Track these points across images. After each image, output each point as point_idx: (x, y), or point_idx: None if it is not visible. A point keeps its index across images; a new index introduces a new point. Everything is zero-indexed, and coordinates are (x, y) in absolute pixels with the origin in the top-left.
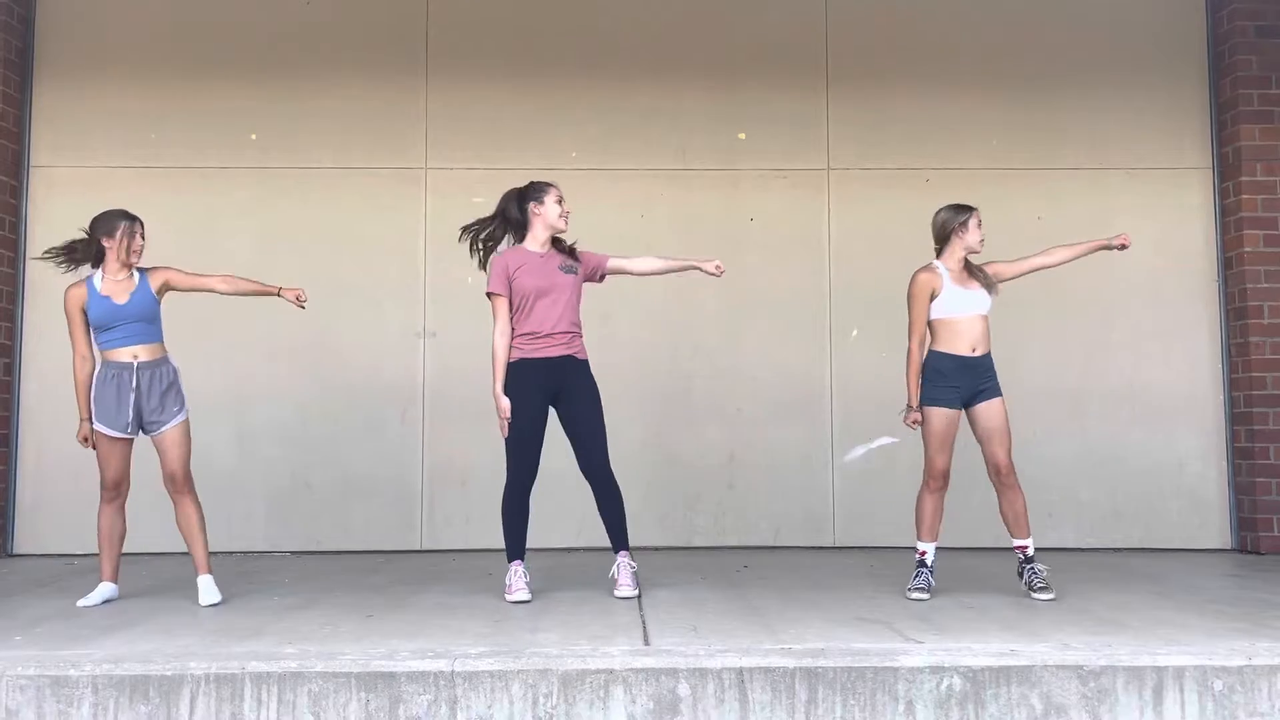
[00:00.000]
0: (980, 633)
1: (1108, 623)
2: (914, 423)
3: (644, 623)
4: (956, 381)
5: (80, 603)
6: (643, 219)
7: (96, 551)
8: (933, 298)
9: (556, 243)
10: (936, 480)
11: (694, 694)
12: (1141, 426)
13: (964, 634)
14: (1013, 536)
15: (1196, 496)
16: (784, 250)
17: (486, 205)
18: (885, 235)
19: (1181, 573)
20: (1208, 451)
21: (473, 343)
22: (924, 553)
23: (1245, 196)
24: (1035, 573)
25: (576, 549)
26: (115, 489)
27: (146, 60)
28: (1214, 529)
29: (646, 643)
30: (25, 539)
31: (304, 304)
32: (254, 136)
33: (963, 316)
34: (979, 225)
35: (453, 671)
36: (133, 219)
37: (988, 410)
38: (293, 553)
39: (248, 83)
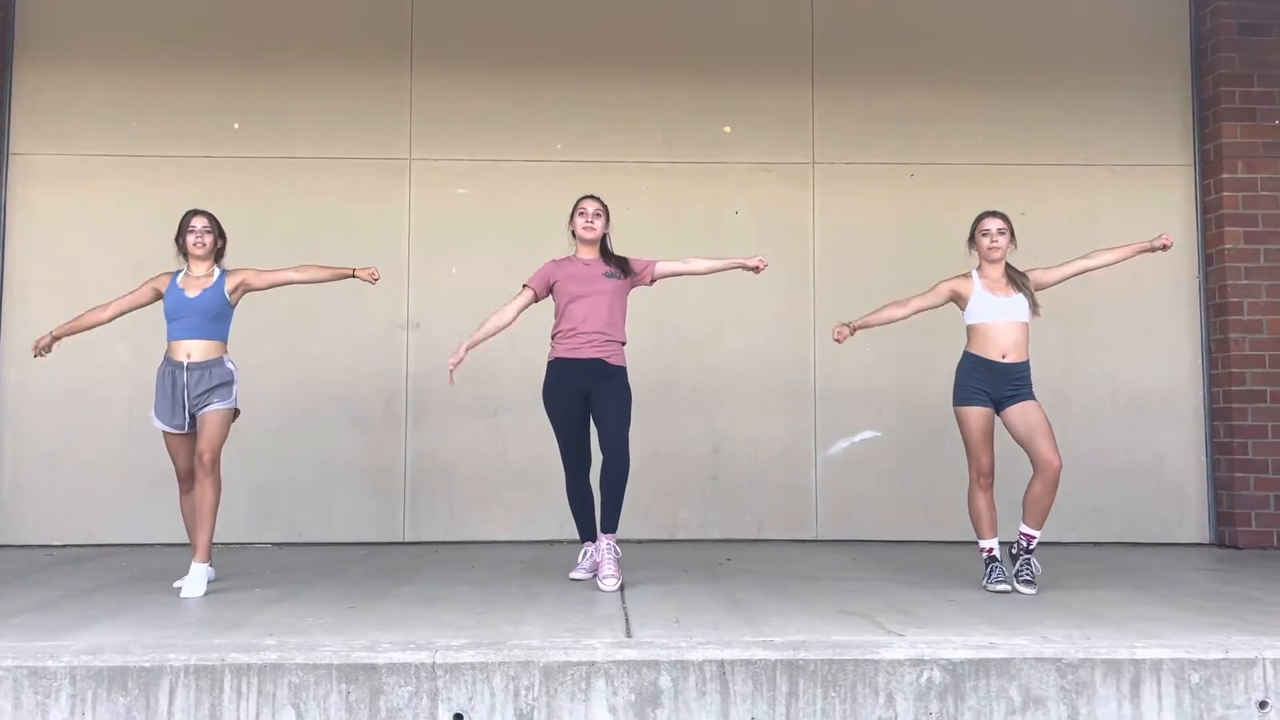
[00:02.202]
0: (961, 625)
1: (1087, 616)
2: (837, 333)
3: (626, 615)
4: (984, 384)
5: (183, 589)
6: (628, 212)
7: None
8: (962, 302)
9: (607, 253)
10: (985, 478)
11: (675, 686)
12: (1122, 422)
13: (945, 627)
14: (1024, 520)
15: (1176, 491)
16: (769, 244)
17: (470, 198)
18: (870, 229)
19: (1161, 567)
20: (1187, 447)
21: (456, 334)
22: (990, 549)
23: (1226, 194)
24: (1029, 565)
25: (560, 541)
26: (189, 480)
27: (129, 48)
28: (1193, 524)
29: (629, 635)
30: (4, 530)
31: (376, 279)
32: (237, 126)
33: (993, 323)
34: (984, 234)
35: (434, 663)
36: (190, 214)
37: (1020, 411)
38: (275, 544)
39: (231, 72)
